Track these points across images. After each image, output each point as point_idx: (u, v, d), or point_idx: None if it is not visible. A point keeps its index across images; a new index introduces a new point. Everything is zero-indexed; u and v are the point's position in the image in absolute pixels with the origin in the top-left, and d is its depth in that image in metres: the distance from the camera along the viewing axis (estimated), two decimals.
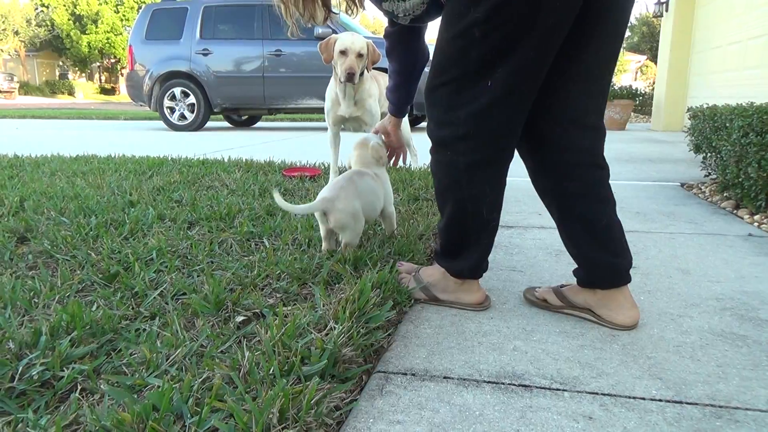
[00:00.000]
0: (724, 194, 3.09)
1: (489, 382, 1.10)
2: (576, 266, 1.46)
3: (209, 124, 10.57)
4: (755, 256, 1.99)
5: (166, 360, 1.09)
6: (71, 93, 41.61)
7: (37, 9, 39.67)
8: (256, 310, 1.37)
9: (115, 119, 13.76)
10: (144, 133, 8.48)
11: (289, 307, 1.39)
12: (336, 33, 8.44)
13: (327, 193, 1.75)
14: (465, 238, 1.43)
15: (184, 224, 2.26)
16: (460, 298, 1.48)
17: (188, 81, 8.88)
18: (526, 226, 2.46)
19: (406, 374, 1.13)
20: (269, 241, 2.03)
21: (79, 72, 45.00)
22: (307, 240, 1.98)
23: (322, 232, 1.83)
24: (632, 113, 11.20)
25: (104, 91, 43.90)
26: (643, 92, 10.62)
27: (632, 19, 35.34)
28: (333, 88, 3.13)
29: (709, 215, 2.69)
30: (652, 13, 10.00)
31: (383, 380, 1.11)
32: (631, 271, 1.80)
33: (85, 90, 42.48)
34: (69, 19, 38.66)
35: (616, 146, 6.28)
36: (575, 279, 1.46)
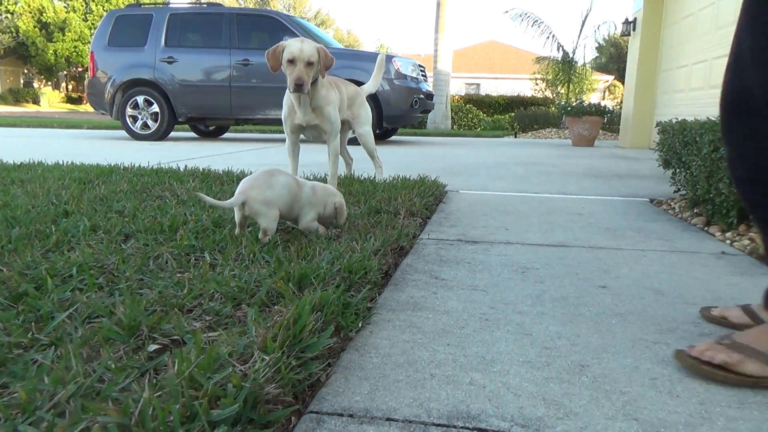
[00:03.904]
0: (695, 210, 3.01)
1: (438, 425, 0.93)
2: None
3: (174, 134, 10.28)
4: (730, 276, 1.88)
5: (50, 401, 0.89)
6: (36, 102, 40.51)
7: (1, 15, 38.61)
8: (176, 337, 1.18)
9: (77, 128, 13.32)
10: (104, 142, 8.16)
11: (217, 333, 1.21)
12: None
13: (242, 186, 2.00)
14: None
15: (118, 236, 2.06)
16: None
17: (152, 89, 8.61)
18: (492, 242, 2.32)
19: (342, 415, 0.96)
20: (210, 256, 1.84)
21: (44, 80, 43.90)
22: (251, 255, 1.80)
23: (237, 218, 2.04)
24: (600, 131, 11.30)
25: (71, 100, 42.88)
26: (610, 110, 10.73)
27: (600, 40, 36.15)
28: (289, 96, 2.96)
29: (680, 232, 2.60)
30: (620, 33, 10.14)
31: (314, 423, 0.93)
32: (602, 291, 1.67)
33: (51, 99, 41.42)
34: (35, 27, 37.72)
35: (584, 162, 6.26)
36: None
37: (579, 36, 14.78)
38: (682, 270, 1.94)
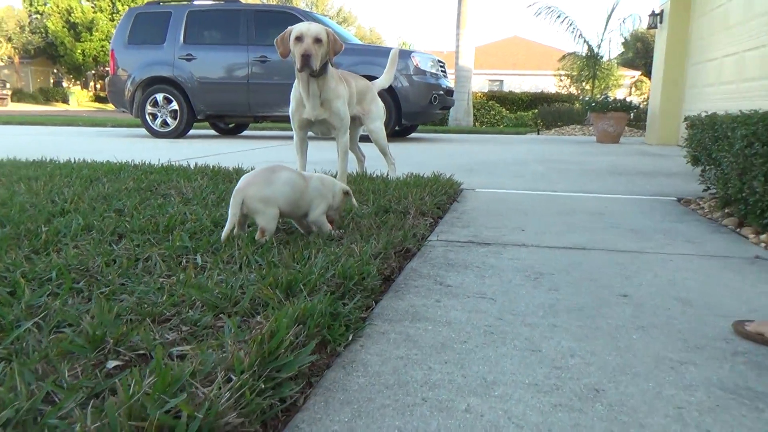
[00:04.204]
0: (726, 210, 2.81)
1: None
2: None
3: (194, 132, 10.28)
4: (765, 284, 1.71)
5: None
6: (65, 101, 41.33)
7: (30, 16, 39.44)
8: (143, 351, 1.07)
9: (101, 126, 13.46)
10: (123, 140, 8.18)
11: (189, 346, 1.10)
12: None
13: (240, 183, 1.91)
14: None
15: (111, 236, 1.97)
16: None
17: (171, 87, 8.60)
18: (505, 244, 2.17)
19: None
20: (202, 258, 1.74)
21: (73, 80, 44.76)
22: (244, 258, 1.69)
23: (236, 217, 1.91)
24: (626, 127, 10.98)
25: (99, 98, 43.60)
26: (636, 105, 10.41)
27: (626, 35, 35.41)
28: (297, 88, 2.85)
29: (710, 234, 2.42)
30: (646, 26, 9.82)
31: None
32: (623, 301, 1.52)
33: (79, 98, 42.19)
34: (63, 27, 38.43)
35: (608, 159, 6.03)
36: None
37: (604, 30, 14.41)
38: (711, 276, 1.77)
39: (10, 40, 38.82)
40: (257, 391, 0.88)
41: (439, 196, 2.94)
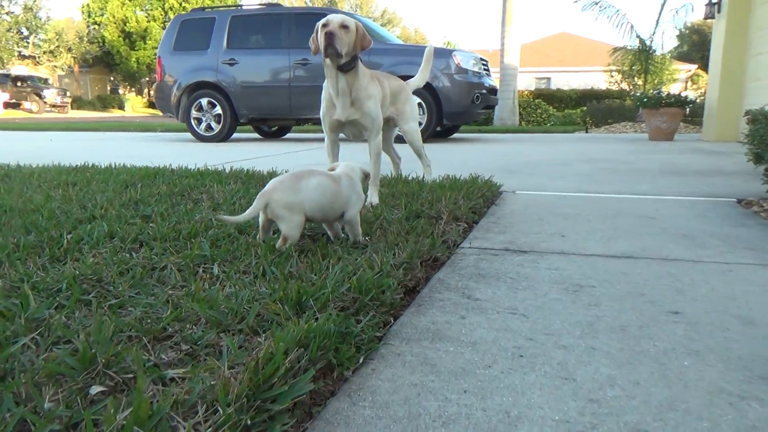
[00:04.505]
0: None
1: None
2: None
3: (238, 135, 10.41)
4: None
5: None
6: (121, 107, 43.02)
7: (89, 27, 41.23)
8: (130, 375, 0.99)
9: (151, 131, 13.84)
10: (168, 144, 8.35)
11: (184, 369, 1.01)
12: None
13: (266, 188, 1.84)
14: None
15: (132, 244, 1.93)
16: None
17: (215, 91, 8.72)
18: (543, 252, 2.01)
19: None
20: (220, 268, 1.67)
21: (128, 87, 46.52)
22: (260, 269, 1.60)
23: (261, 221, 1.88)
24: (681, 123, 10.44)
25: (152, 104, 45.12)
26: (692, 100, 9.89)
27: (681, 27, 34.00)
28: (327, 88, 2.77)
29: None
30: (702, 17, 9.30)
31: None
32: (674, 319, 1.35)
33: (134, 104, 43.81)
34: (119, 36, 39.99)
35: (660, 157, 5.71)
36: None
37: (657, 22, 13.77)
38: None
39: (70, 50, 40.70)
40: (242, 428, 0.78)
41: (475, 200, 2.80)
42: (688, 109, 10.44)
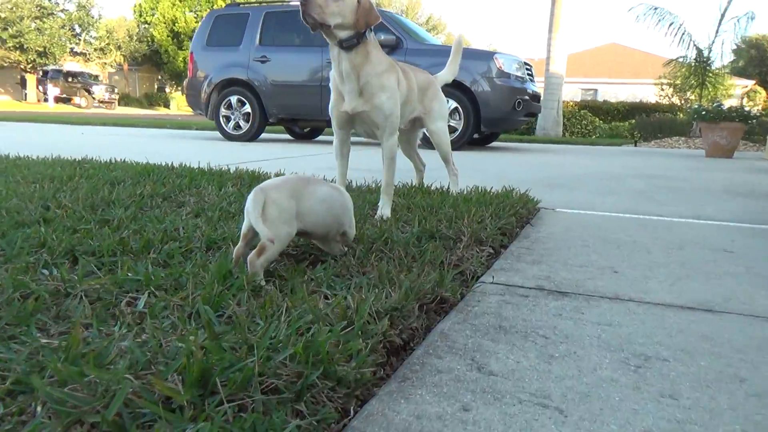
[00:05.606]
0: None
1: None
2: None
3: (269, 136, 10.12)
4: None
5: None
6: (167, 105, 43.95)
7: (139, 26, 42.26)
8: None
9: (186, 129, 13.74)
10: (196, 142, 8.09)
11: None
12: (400, 38, 7.69)
13: (266, 183, 1.52)
14: None
15: (62, 258, 1.53)
16: None
17: (245, 89, 8.42)
18: (589, 295, 1.51)
19: None
20: (149, 298, 1.24)
21: (175, 86, 47.45)
22: (196, 306, 1.17)
23: (244, 228, 1.50)
24: (740, 140, 9.62)
25: None
26: (756, 115, 9.08)
27: (737, 41, 32.48)
28: (333, 77, 2.32)
29: None
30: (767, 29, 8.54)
31: None
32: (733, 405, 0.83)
33: (179, 103, 44.62)
34: (168, 36, 40.79)
35: (723, 176, 5.07)
36: None
37: (717, 32, 12.89)
38: None
39: (119, 48, 41.76)
40: None
41: (506, 218, 2.31)
42: (748, 125, 9.63)
